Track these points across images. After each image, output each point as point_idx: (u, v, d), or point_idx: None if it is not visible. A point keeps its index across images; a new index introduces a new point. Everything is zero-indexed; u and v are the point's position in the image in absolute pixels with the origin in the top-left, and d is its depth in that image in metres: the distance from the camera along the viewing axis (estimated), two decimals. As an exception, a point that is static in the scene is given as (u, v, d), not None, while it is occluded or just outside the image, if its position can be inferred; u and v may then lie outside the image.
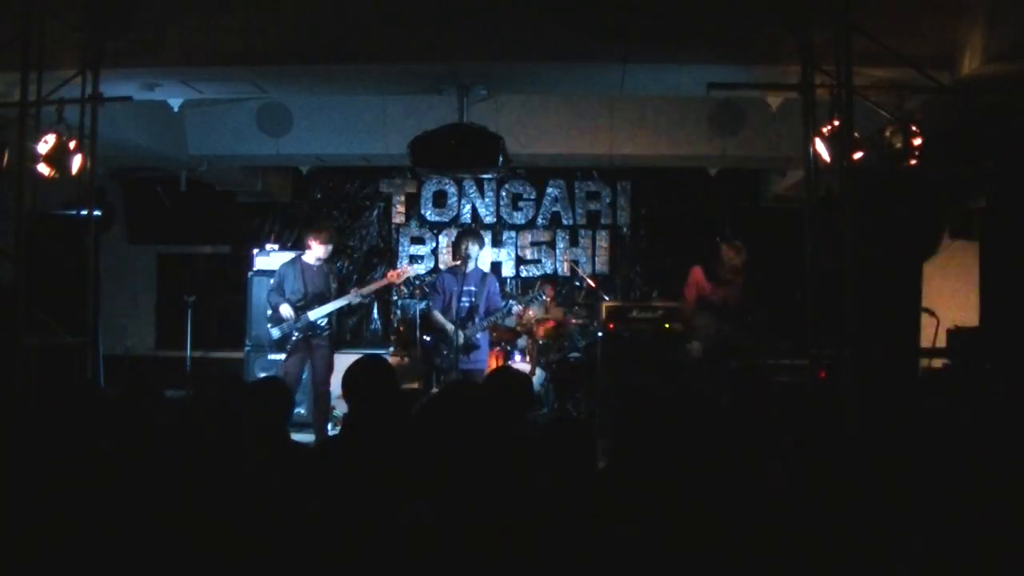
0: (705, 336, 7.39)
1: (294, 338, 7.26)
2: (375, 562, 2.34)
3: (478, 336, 7.30)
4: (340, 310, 7.51)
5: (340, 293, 7.39)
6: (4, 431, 2.47)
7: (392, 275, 7.63)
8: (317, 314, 7.25)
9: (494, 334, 8.05)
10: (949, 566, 1.60)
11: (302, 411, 8.16)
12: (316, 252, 7.35)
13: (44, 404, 3.43)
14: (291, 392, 4.21)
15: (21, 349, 5.20)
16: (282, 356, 7.54)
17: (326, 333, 7.37)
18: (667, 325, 7.73)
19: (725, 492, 2.93)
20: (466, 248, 7.31)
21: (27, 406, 4.40)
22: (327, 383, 7.35)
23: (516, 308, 7.74)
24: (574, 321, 8.90)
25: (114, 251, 10.27)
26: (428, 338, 7.57)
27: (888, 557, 1.85)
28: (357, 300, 7.45)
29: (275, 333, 7.33)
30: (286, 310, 7.23)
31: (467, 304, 7.29)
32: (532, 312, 8.62)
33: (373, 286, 7.70)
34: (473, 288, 7.32)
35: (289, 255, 9.17)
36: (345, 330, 10.69)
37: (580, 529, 2.55)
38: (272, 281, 7.60)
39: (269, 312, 7.45)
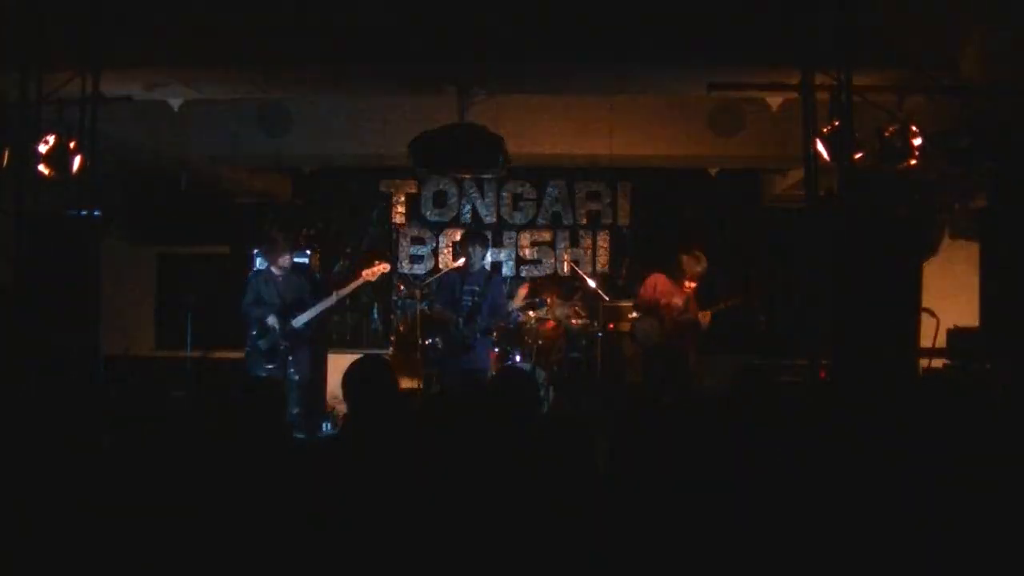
0: (646, 338, 7.43)
1: (282, 348, 7.27)
2: (374, 562, 2.34)
3: (476, 337, 7.28)
4: (321, 314, 7.47)
5: (316, 296, 7.36)
6: (4, 430, 2.47)
7: (366, 273, 7.53)
8: (300, 321, 7.25)
9: (495, 335, 8.04)
10: (950, 566, 1.60)
11: (295, 411, 8.17)
12: (278, 263, 7.38)
13: (45, 403, 3.43)
14: (283, 391, 4.23)
15: (21, 349, 5.20)
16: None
17: (308, 336, 7.37)
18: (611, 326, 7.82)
19: (725, 492, 2.93)
20: (470, 252, 7.31)
21: (27, 405, 4.39)
22: (314, 382, 7.35)
23: (516, 315, 7.76)
24: (574, 321, 8.87)
25: (114, 251, 10.24)
26: (429, 338, 7.57)
27: (888, 557, 1.86)
28: (335, 302, 7.42)
29: (263, 345, 7.31)
30: (273, 320, 7.24)
31: (469, 303, 7.29)
32: (533, 313, 8.63)
33: (350, 286, 7.60)
34: (477, 288, 7.31)
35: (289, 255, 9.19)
36: (345, 330, 10.70)
37: (580, 529, 2.55)
38: (247, 297, 7.55)
39: (256, 326, 7.40)
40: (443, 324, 7.34)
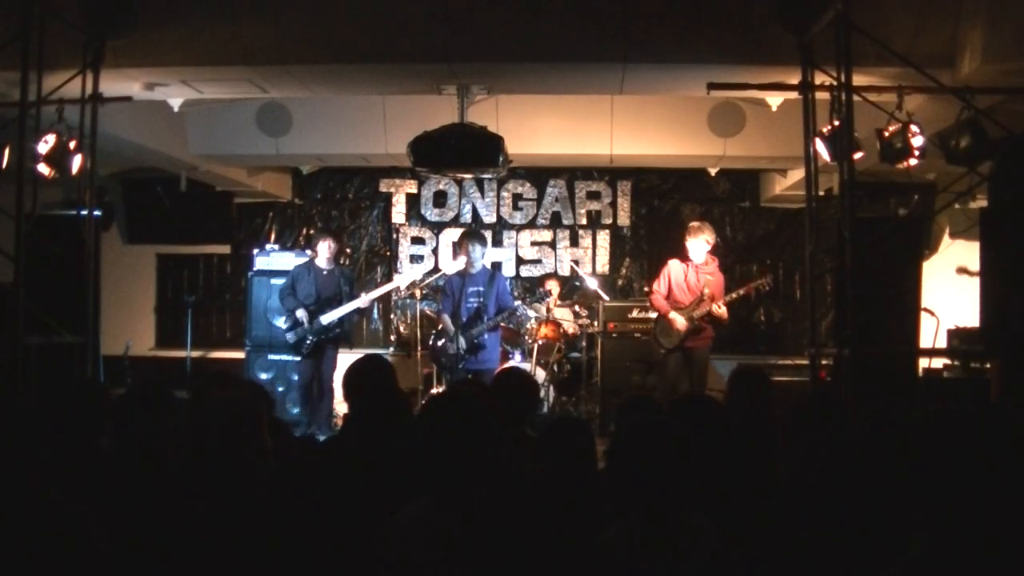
0: (668, 340, 7.38)
1: (309, 342, 7.38)
2: (374, 562, 2.34)
3: (485, 336, 7.30)
4: (351, 314, 7.60)
5: (352, 296, 7.49)
6: (3, 430, 2.47)
7: (399, 278, 7.91)
8: (329, 318, 7.35)
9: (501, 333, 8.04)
10: (949, 567, 1.60)
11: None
12: (324, 255, 7.52)
13: (44, 403, 3.43)
14: (267, 392, 4.23)
15: (21, 349, 5.20)
16: (284, 357, 7.60)
17: (336, 335, 7.48)
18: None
19: (725, 491, 2.93)
20: (468, 250, 7.32)
21: (27, 406, 4.39)
22: (331, 380, 7.45)
23: (523, 309, 7.79)
24: (572, 330, 8.87)
25: (114, 251, 10.28)
26: (434, 339, 7.59)
27: (887, 557, 1.86)
28: (366, 304, 7.59)
29: (290, 337, 7.45)
30: (302, 314, 7.34)
31: (474, 305, 7.30)
32: (534, 312, 8.65)
33: (381, 290, 7.91)
34: (480, 288, 7.33)
35: (289, 255, 9.20)
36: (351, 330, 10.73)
37: (580, 529, 2.55)
38: (284, 283, 7.71)
39: (284, 315, 7.58)
40: (445, 329, 7.37)
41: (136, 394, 3.60)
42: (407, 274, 7.92)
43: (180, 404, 3.65)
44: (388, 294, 10.62)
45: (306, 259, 7.93)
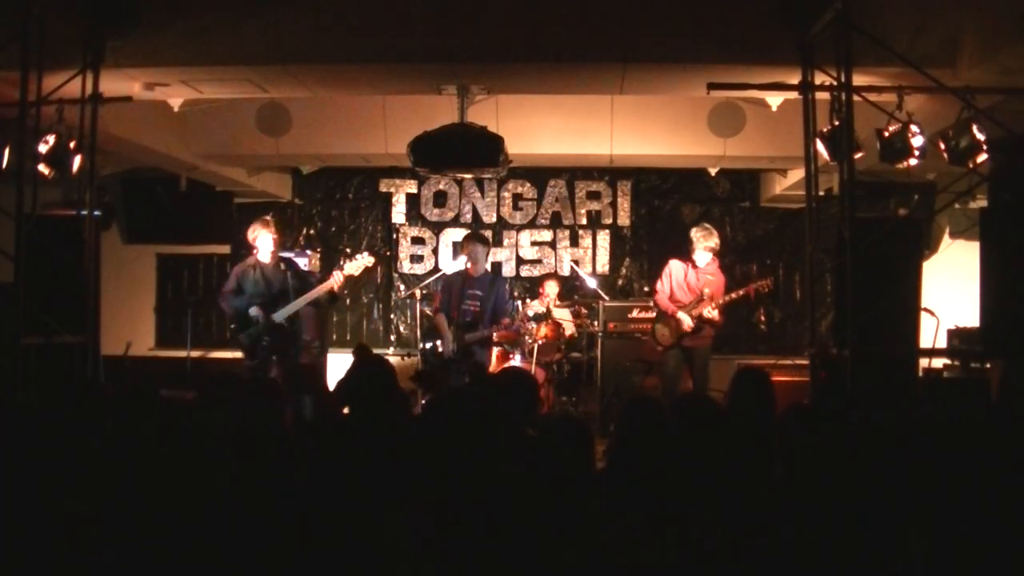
0: (664, 339, 7.41)
1: (264, 343, 6.72)
2: (373, 561, 2.34)
3: (477, 350, 7.23)
4: (302, 308, 6.90)
5: (298, 290, 6.80)
6: (3, 431, 2.47)
7: (350, 266, 7.00)
8: (283, 314, 6.74)
9: (495, 336, 8.03)
10: (949, 567, 1.60)
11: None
12: (267, 248, 6.91)
13: (44, 403, 3.43)
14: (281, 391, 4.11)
15: (21, 349, 5.20)
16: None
17: (291, 331, 6.87)
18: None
19: (725, 491, 2.93)
20: (470, 253, 7.30)
21: (26, 405, 4.39)
22: (306, 383, 6.99)
23: (521, 311, 7.78)
24: (571, 330, 8.88)
25: (114, 251, 10.27)
26: (430, 340, 7.57)
27: (887, 557, 1.86)
28: (319, 295, 6.83)
29: (244, 339, 6.81)
30: (256, 312, 6.70)
31: (472, 308, 7.26)
32: (532, 311, 8.66)
33: (330, 283, 6.90)
34: (479, 292, 7.29)
35: (288, 255, 9.15)
36: (345, 330, 10.72)
37: (580, 529, 2.55)
38: (227, 287, 6.99)
39: (238, 318, 6.87)
40: (442, 332, 7.33)
41: (127, 395, 3.60)
42: (357, 261, 7.00)
43: (172, 405, 3.65)
44: (388, 294, 10.67)
45: (251, 259, 7.05)
